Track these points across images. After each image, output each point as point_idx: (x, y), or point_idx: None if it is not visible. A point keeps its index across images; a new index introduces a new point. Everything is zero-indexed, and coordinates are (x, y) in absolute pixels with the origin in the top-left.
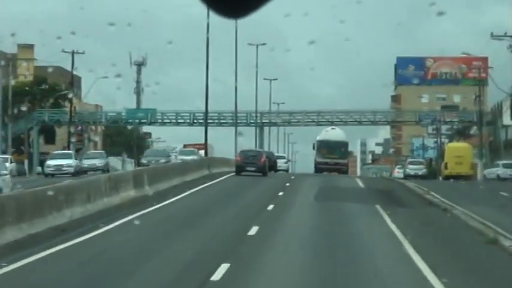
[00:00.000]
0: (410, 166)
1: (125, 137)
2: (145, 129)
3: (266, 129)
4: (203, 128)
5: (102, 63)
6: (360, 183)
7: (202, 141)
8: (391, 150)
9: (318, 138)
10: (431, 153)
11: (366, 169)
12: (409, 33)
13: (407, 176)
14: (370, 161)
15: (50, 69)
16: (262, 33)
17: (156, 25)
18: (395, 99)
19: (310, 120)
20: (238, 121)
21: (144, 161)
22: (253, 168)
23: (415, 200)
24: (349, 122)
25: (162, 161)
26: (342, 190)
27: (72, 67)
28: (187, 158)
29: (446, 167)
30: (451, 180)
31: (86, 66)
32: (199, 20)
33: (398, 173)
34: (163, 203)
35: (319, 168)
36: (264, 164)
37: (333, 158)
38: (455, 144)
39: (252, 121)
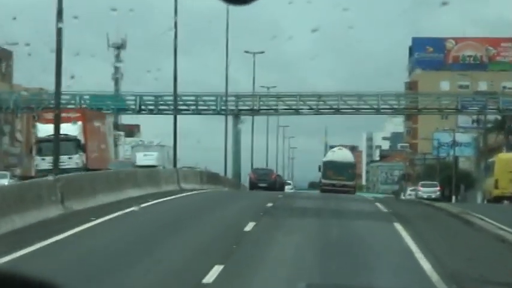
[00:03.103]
0: (422, 189)
1: None
2: (131, 120)
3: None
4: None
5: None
6: (417, 253)
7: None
8: (400, 146)
9: (324, 159)
10: (463, 151)
11: (374, 167)
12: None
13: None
14: (377, 158)
15: None
16: (262, 21)
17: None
18: (410, 86)
19: (307, 107)
20: (205, 107)
21: None
22: (265, 185)
23: None
24: (363, 110)
25: None
26: None
27: None
28: None
29: (496, 186)
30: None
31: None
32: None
33: (410, 195)
34: None
35: (324, 190)
36: (275, 180)
37: (340, 179)
38: (508, 155)
39: (223, 107)
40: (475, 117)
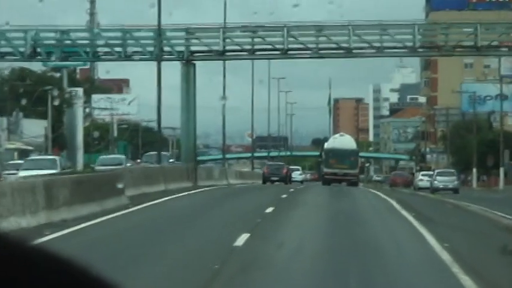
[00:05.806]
0: (438, 178)
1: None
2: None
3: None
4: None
5: None
6: None
7: None
8: (409, 98)
9: (325, 146)
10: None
11: (385, 123)
12: None
13: (434, 190)
14: (387, 112)
15: None
16: None
17: None
18: None
19: (303, 47)
20: (139, 49)
21: None
22: (277, 178)
23: None
24: (389, 50)
25: None
26: None
27: None
28: None
29: None
30: None
31: None
32: None
33: (422, 181)
34: None
35: (327, 180)
36: (286, 175)
37: (342, 168)
38: None
39: (168, 48)
40: None
